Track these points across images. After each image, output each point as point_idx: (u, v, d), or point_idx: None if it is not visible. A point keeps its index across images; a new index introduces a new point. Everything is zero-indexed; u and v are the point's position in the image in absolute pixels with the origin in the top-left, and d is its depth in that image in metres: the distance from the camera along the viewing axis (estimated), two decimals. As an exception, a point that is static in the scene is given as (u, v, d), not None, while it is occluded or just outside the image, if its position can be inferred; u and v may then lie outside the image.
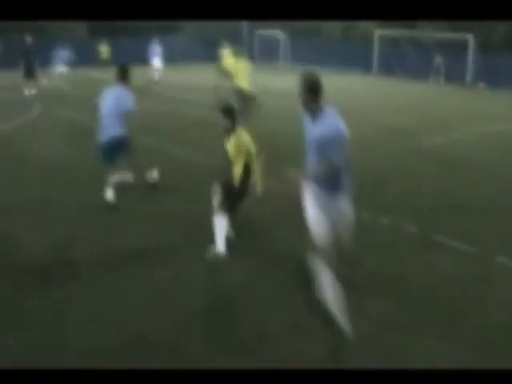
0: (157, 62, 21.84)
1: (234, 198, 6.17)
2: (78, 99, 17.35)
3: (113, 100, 7.68)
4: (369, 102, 18.33)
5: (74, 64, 19.97)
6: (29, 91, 18.48)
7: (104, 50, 24.56)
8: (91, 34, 32.13)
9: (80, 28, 32.78)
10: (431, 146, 11.51)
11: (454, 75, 26.40)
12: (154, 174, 8.57)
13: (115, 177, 7.90)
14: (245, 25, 36.19)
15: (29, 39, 19.18)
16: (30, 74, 18.57)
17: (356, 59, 31.21)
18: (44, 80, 19.40)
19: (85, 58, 24.86)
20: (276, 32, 34.70)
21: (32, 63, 18.46)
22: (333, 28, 35.36)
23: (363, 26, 33.60)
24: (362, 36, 33.31)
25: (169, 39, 29.90)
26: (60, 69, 19.43)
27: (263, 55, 35.75)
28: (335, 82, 22.85)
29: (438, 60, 27.22)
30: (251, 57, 29.22)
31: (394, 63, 29.47)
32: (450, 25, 28.03)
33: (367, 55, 30.51)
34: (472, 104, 19.25)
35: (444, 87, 24.50)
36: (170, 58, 25.30)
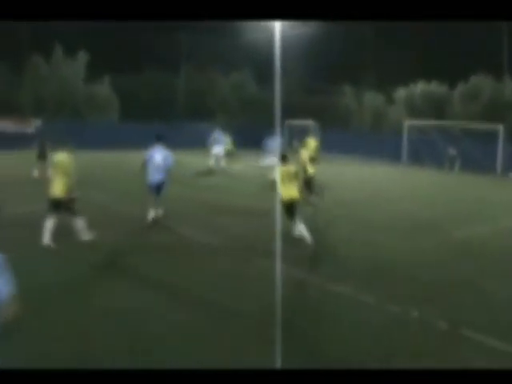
0: (218, 149, 21.83)
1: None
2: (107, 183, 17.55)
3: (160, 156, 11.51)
4: (397, 192, 18.12)
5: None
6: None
7: (228, 140, 23.64)
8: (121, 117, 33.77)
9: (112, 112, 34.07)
10: (459, 238, 11.23)
11: (483, 165, 26.45)
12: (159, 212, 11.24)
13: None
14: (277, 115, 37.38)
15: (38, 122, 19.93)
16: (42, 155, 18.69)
17: (385, 149, 31.57)
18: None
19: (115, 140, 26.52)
20: (307, 122, 35.19)
21: (44, 145, 18.73)
22: (362, 118, 37.12)
23: (393, 116, 35.24)
24: (391, 126, 34.44)
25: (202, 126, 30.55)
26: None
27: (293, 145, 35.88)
28: (364, 172, 23.36)
29: (452, 151, 27.51)
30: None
31: (423, 153, 29.66)
32: (480, 114, 29.09)
33: (396, 145, 30.86)
34: (501, 195, 18.95)
35: (473, 177, 24.31)
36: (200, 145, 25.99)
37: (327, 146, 34.05)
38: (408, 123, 30.36)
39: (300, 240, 9.41)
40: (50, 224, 9.22)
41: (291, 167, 9.59)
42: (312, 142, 20.48)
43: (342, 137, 34.44)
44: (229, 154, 22.12)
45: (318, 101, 38.97)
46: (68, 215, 9.42)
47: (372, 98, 37.63)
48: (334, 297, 6.61)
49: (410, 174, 25.08)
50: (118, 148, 29.56)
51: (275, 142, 19.67)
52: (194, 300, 6.61)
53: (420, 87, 35.21)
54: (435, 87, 34.79)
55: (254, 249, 8.90)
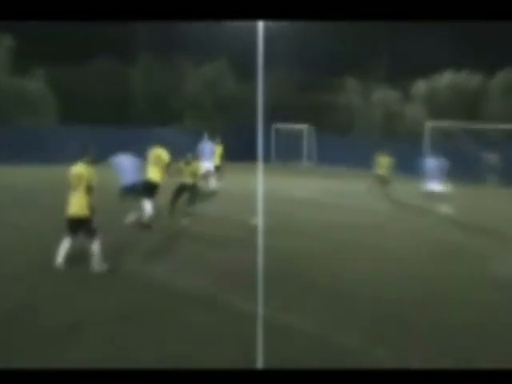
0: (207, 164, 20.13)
1: None
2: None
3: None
4: (421, 215, 16.39)
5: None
6: None
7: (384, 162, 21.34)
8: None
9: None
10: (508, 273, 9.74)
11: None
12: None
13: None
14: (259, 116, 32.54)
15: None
16: None
17: (400, 159, 26.57)
18: None
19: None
20: (299, 126, 33.77)
21: None
22: (370, 120, 34.55)
23: (410, 117, 32.77)
24: (409, 130, 31.95)
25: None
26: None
27: (281, 154, 34.70)
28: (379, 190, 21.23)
29: (492, 158, 26.21)
30: (267, 156, 31.46)
31: (452, 162, 25.27)
32: None
33: (414, 154, 26.37)
34: None
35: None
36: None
37: (325, 157, 33.03)
38: (430, 125, 28.49)
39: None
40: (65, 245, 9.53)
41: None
42: (384, 160, 20.03)
43: (343, 144, 32.66)
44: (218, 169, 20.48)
45: (313, 99, 36.21)
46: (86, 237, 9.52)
47: (382, 95, 34.80)
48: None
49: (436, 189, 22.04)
50: (54, 161, 25.52)
51: (208, 148, 19.94)
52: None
53: (446, 79, 32.96)
54: (466, 78, 32.27)
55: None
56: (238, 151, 28.58)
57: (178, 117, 35.19)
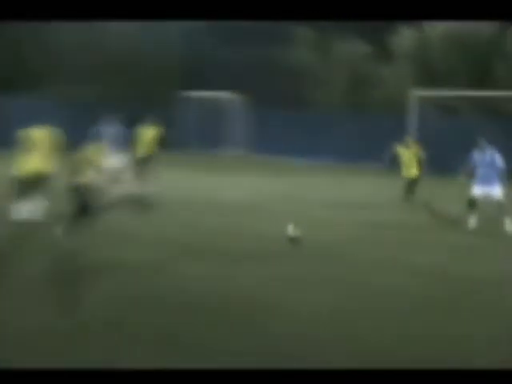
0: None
1: None
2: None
3: None
4: (403, 233, 12.86)
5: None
6: None
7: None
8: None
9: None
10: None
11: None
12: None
13: None
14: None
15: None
16: None
17: (375, 144, 23.72)
18: None
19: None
20: (223, 94, 30.80)
21: None
22: (333, 88, 30.75)
23: (387, 83, 29.10)
24: (387, 102, 28.53)
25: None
26: None
27: (201, 137, 31.58)
28: (337, 193, 18.29)
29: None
30: (182, 140, 28.73)
31: (452, 152, 22.76)
32: None
33: (398, 135, 21.13)
34: None
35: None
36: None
37: (262, 143, 29.52)
38: (417, 94, 25.21)
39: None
40: None
41: None
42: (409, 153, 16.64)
43: (290, 122, 28.76)
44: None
45: (245, 56, 31.99)
46: None
47: (349, 50, 30.14)
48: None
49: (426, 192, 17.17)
50: None
51: (111, 130, 18.55)
52: None
53: (441, 27, 28.30)
54: (469, 26, 27.34)
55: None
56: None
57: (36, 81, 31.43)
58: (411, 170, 15.74)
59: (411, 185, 15.58)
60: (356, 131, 27.26)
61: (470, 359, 6.01)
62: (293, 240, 11.80)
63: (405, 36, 28.57)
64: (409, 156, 16.18)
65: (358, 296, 8.01)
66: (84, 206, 11.02)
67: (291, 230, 11.81)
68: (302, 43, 31.55)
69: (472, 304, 7.94)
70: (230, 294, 7.91)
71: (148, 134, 18.58)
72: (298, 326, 6.77)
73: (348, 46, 30.19)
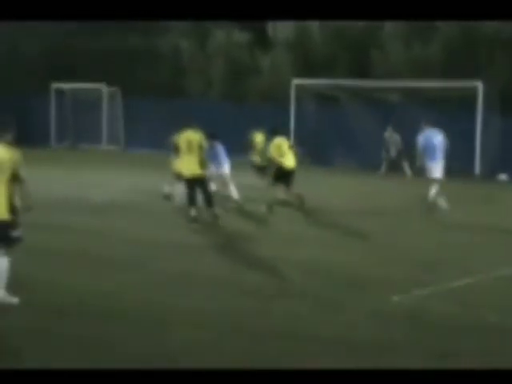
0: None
1: None
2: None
3: None
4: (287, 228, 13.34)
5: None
6: None
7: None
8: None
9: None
10: (417, 306, 8.10)
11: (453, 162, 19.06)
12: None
13: None
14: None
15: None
16: None
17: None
18: None
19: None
20: (92, 86, 29.12)
21: None
22: (209, 81, 29.17)
23: (267, 73, 27.94)
24: (266, 92, 27.65)
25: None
26: None
27: (69, 132, 30.49)
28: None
29: (393, 136, 23.33)
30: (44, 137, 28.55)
31: (330, 141, 25.23)
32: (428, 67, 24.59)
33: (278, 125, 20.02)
34: (494, 220, 14.38)
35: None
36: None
37: (135, 136, 28.87)
38: (296, 83, 25.40)
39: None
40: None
41: None
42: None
43: (169, 114, 25.90)
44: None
45: (115, 45, 30.06)
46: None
47: (225, 38, 28.94)
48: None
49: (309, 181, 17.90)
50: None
51: None
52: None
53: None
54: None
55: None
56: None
57: None
58: (287, 160, 14.94)
59: (286, 175, 14.71)
60: (235, 122, 26.31)
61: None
62: (167, 197, 13.05)
63: (284, 24, 27.62)
64: (278, 145, 15.20)
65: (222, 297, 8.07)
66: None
67: (166, 187, 13.55)
68: (179, 31, 30.01)
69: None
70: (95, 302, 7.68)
71: None
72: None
73: (225, 35, 28.84)
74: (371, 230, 13.02)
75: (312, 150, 24.82)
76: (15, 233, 7.54)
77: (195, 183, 12.59)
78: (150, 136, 27.55)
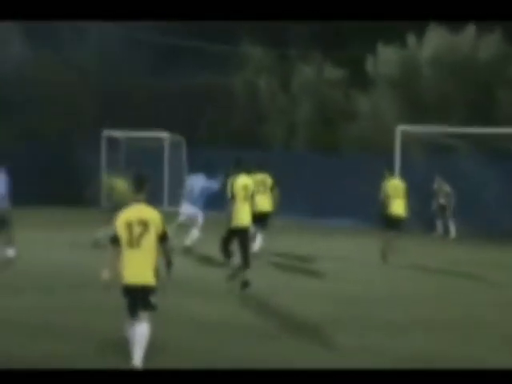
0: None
1: None
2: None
3: None
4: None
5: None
6: None
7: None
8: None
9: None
10: None
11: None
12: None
13: None
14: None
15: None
16: None
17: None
18: None
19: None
20: (158, 134, 26.07)
21: None
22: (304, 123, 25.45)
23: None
24: (358, 142, 24.19)
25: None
26: None
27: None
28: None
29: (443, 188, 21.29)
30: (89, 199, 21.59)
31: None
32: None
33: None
34: None
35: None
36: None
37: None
38: (403, 129, 21.58)
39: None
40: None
41: None
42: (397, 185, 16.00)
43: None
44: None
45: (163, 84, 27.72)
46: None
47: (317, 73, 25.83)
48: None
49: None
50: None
51: None
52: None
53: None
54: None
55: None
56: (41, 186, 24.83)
57: None
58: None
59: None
60: (324, 176, 23.40)
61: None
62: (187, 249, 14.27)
63: (386, 59, 24.44)
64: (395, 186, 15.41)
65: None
66: None
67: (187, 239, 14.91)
68: (255, 66, 27.46)
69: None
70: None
71: None
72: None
73: (314, 70, 26.09)
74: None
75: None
76: (153, 299, 7.55)
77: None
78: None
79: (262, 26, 26.49)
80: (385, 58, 24.69)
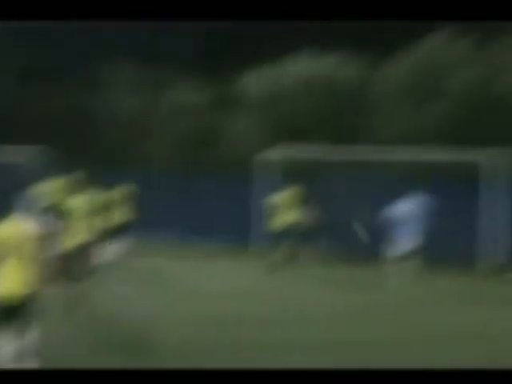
0: None
1: None
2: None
3: None
4: None
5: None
6: None
7: None
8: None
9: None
10: None
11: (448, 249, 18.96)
12: None
13: None
14: None
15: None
16: None
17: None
18: None
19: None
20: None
21: None
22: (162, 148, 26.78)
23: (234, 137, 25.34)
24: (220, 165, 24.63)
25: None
26: None
27: None
28: None
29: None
30: None
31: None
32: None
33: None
34: None
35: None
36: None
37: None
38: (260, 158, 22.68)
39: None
40: None
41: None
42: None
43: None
44: None
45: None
46: None
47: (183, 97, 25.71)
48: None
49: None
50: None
51: None
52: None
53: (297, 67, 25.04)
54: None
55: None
56: None
57: None
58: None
59: None
60: (184, 200, 24.03)
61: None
62: None
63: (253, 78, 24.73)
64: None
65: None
66: None
67: None
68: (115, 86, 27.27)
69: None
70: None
71: None
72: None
73: (182, 93, 25.81)
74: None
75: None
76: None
77: None
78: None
79: (130, 44, 26.89)
80: (253, 79, 24.97)
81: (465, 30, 23.43)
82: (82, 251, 12.40)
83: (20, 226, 7.67)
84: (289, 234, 20.16)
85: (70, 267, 11.63)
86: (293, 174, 22.64)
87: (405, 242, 16.15)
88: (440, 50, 24.54)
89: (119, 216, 19.02)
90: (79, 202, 12.57)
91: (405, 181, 20.50)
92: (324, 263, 20.29)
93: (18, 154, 25.30)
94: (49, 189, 18.54)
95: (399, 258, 17.04)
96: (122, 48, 27.21)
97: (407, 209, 15.54)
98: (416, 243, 16.95)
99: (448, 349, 10.36)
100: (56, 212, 12.82)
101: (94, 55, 27.55)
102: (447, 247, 19.38)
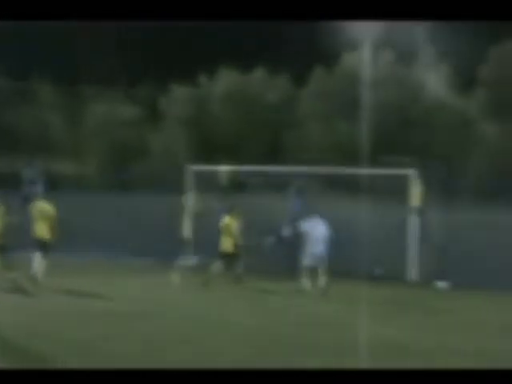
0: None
1: None
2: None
3: None
4: None
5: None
6: None
7: None
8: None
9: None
10: None
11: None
12: None
13: None
14: None
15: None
16: None
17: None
18: None
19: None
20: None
21: None
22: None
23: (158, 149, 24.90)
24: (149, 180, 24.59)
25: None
26: None
27: None
28: None
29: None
30: None
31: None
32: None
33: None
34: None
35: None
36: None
37: None
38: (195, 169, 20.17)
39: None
40: None
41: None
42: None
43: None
44: None
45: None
46: None
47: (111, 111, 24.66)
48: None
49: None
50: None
51: None
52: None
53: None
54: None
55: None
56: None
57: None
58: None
59: None
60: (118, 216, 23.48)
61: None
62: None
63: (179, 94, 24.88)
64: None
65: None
66: None
67: None
68: (49, 101, 25.65)
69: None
70: None
71: None
72: None
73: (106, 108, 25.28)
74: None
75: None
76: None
77: None
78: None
79: (54, 62, 26.48)
80: (177, 97, 25.03)
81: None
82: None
83: None
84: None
85: None
86: (223, 189, 23.67)
87: (317, 256, 15.48)
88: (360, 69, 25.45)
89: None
90: None
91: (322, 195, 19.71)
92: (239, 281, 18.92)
93: None
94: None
95: (310, 272, 16.60)
96: (46, 63, 26.06)
97: (320, 225, 14.99)
98: (326, 258, 16.65)
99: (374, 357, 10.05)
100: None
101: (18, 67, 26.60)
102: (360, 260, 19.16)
